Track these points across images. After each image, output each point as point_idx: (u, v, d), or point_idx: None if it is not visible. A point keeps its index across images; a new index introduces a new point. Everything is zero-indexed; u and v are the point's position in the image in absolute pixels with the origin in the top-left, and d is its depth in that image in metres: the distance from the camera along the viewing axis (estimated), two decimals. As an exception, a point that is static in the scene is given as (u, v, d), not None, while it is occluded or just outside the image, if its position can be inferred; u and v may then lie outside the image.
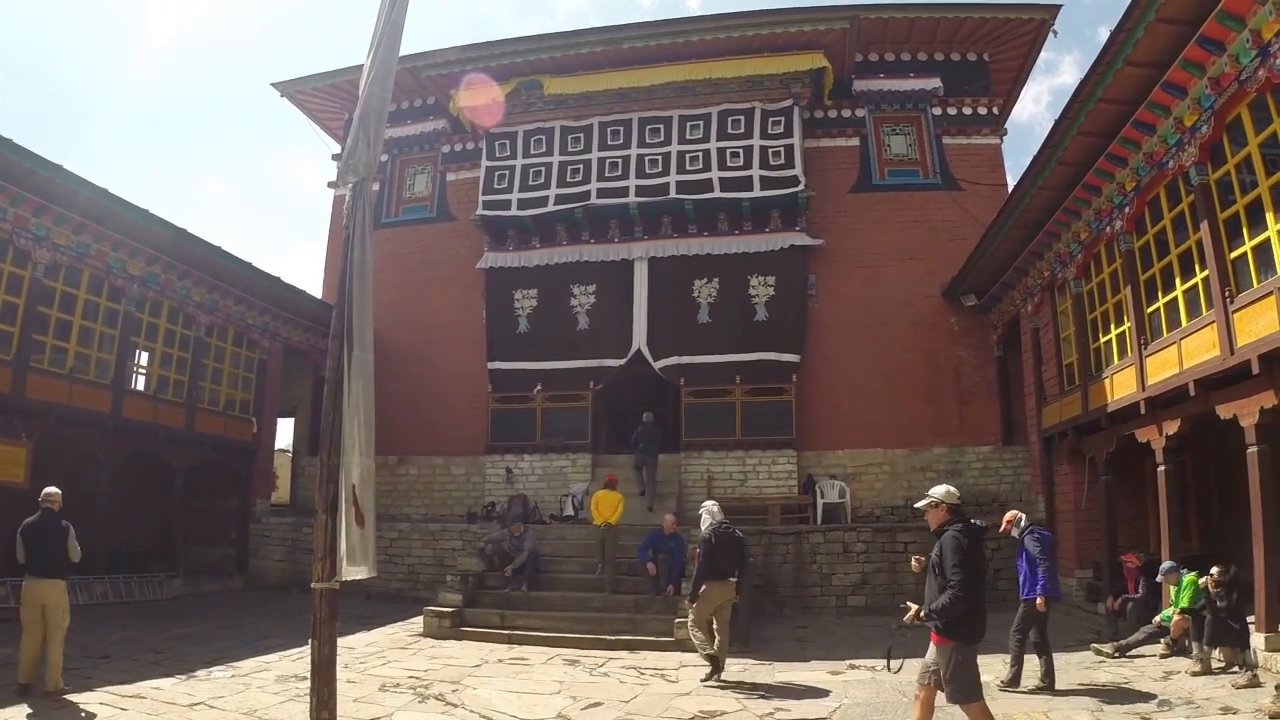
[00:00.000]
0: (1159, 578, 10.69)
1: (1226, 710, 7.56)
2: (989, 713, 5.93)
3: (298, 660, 10.03)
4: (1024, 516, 9.88)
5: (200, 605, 15.47)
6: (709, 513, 10.34)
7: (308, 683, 5.59)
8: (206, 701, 8.17)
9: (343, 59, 64.85)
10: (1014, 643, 9.17)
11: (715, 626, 9.79)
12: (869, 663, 10.37)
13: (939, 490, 6.30)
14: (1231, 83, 9.45)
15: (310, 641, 5.55)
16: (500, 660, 10.92)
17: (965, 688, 5.83)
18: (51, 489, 8.99)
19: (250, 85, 66.22)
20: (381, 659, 10.80)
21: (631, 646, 11.76)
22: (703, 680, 9.57)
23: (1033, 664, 9.05)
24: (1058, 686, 8.80)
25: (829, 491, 17.65)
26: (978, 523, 6.14)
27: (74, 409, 14.80)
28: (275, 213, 78.46)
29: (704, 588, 9.67)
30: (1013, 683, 8.99)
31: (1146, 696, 8.29)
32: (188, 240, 16.28)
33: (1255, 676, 8.38)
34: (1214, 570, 9.47)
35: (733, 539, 10.12)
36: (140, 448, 16.44)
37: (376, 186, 20.86)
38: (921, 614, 5.98)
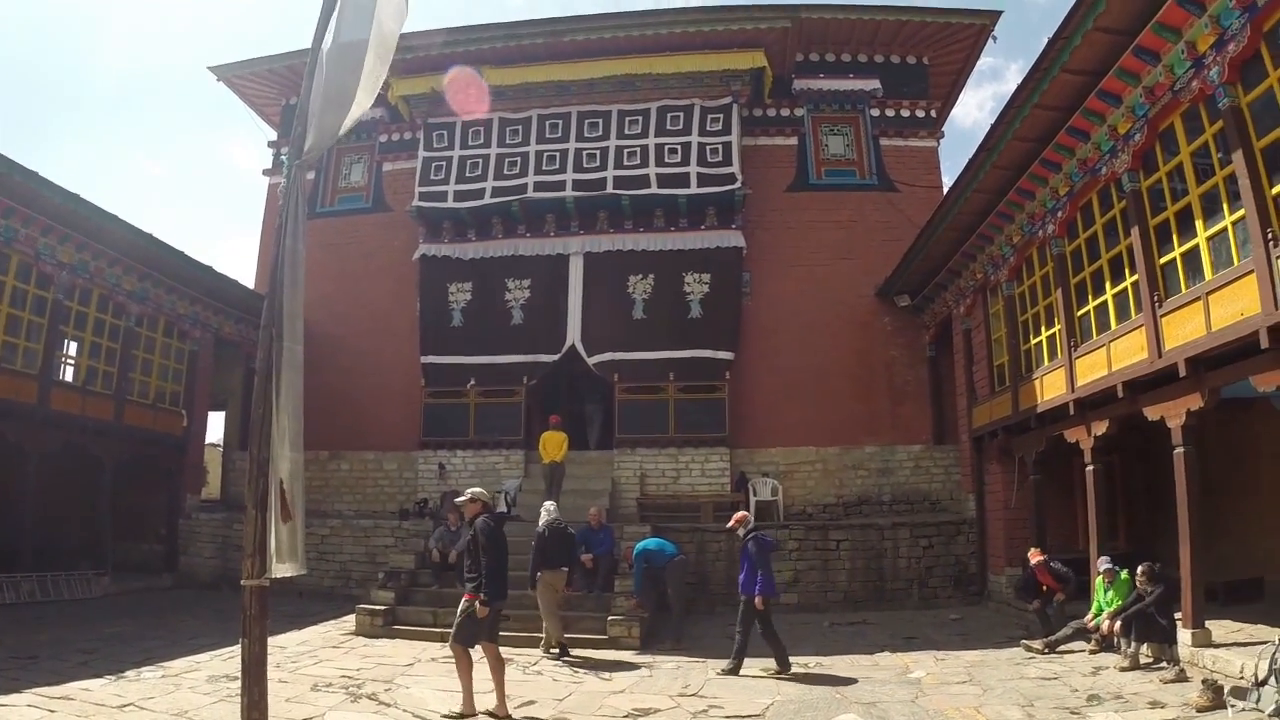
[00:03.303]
0: (1098, 574, 10.82)
1: (1155, 704, 7.72)
2: (469, 658, 7.92)
3: (229, 660, 9.78)
4: (751, 519, 11.02)
5: (129, 604, 14.97)
6: (546, 511, 11.70)
7: (239, 683, 5.44)
8: (136, 703, 7.94)
9: (278, 44, 63.88)
10: (739, 635, 10.14)
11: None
12: (802, 660, 10.44)
13: (473, 490, 8.73)
14: (1165, 92, 9.69)
15: (241, 640, 5.40)
16: (433, 659, 10.76)
17: (467, 634, 7.89)
18: None
19: (186, 66, 64.78)
20: (314, 658, 10.59)
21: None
22: (547, 657, 11.01)
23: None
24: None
25: (761, 489, 17.75)
26: (501, 511, 8.77)
27: (-1, 400, 14.32)
28: (209, 200, 77.00)
29: (540, 574, 11.07)
30: (733, 671, 9.91)
31: (1076, 691, 8.45)
32: (119, 227, 15.74)
33: (1182, 671, 8.58)
34: (1140, 567, 9.69)
35: (564, 534, 11.54)
36: (68, 440, 15.87)
37: (311, 175, 20.47)
38: (469, 587, 8.05)
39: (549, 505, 11.92)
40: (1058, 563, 11.86)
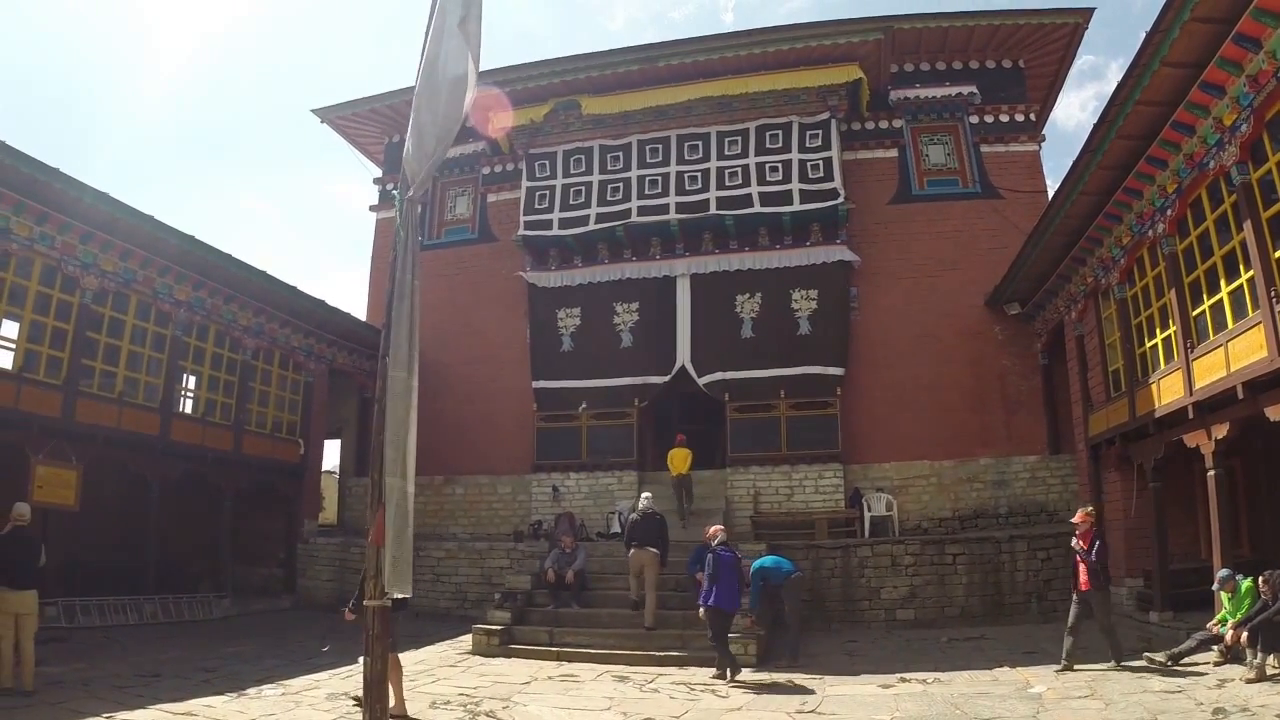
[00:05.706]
0: (1214, 586, 10.41)
1: (1282, 717, 7.42)
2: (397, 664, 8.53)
3: (347, 679, 10.15)
4: (723, 533, 11.51)
5: (249, 625, 15.64)
6: (643, 498, 13.68)
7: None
8: (258, 719, 8.28)
9: (380, 83, 65.98)
10: (715, 644, 10.92)
11: (645, 587, 12.88)
12: (920, 676, 10.33)
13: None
14: (1270, 80, 9.35)
15: (363, 658, 5.62)
16: (549, 677, 10.95)
17: None
18: (21, 505, 9.60)
19: (291, 106, 67.34)
20: (431, 677, 10.90)
21: (681, 663, 11.69)
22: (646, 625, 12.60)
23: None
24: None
25: (876, 504, 17.59)
26: None
27: (123, 432, 15.08)
28: (316, 234, 79.30)
29: (631, 552, 12.92)
30: (722, 676, 10.70)
31: (1201, 705, 8.16)
32: (233, 265, 16.54)
33: (1311, 683, 8.22)
34: (1263, 575, 9.31)
35: (654, 520, 13.09)
36: (189, 470, 16.65)
37: (419, 209, 21.11)
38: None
39: (646, 495, 13.94)
40: (1102, 545, 10.91)
